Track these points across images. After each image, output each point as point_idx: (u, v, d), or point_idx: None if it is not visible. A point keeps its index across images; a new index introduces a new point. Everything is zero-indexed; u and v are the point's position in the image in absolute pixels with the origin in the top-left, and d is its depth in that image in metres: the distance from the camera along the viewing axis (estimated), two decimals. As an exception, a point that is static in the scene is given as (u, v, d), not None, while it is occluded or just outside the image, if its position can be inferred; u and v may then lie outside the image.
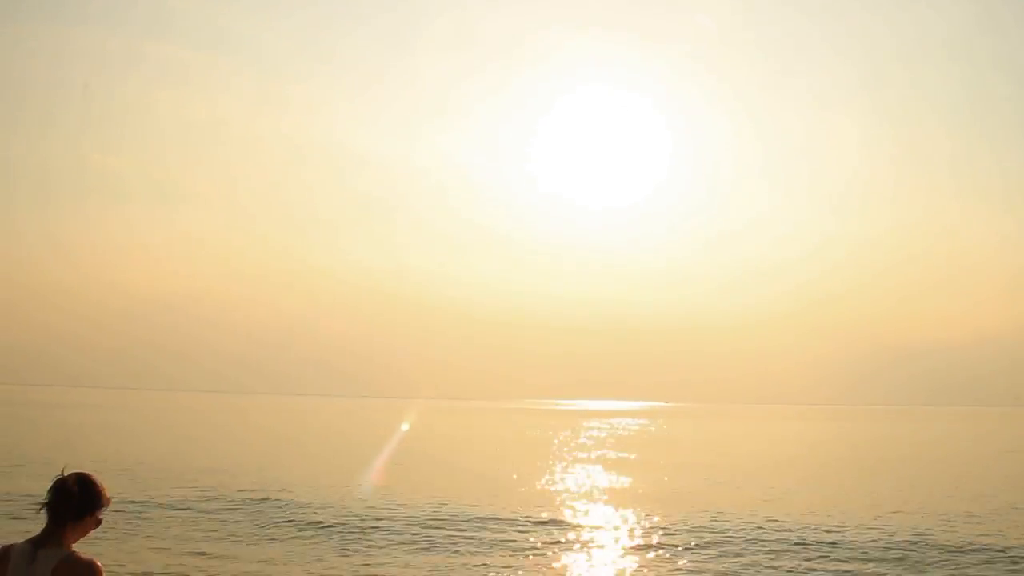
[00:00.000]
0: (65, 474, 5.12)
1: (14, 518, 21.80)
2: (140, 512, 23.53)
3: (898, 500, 29.60)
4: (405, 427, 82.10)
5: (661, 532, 22.30)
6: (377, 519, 23.37)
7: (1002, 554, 19.49)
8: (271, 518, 23.43)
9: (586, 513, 26.70)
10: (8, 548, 5.04)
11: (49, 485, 5.07)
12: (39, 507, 5.09)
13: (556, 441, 71.95)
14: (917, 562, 18.96)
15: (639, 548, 20.77)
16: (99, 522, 5.17)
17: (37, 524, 5.17)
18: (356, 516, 23.64)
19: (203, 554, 18.95)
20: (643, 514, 25.65)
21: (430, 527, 22.43)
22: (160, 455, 43.33)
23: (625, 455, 56.88)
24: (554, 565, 18.60)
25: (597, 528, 23.74)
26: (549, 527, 23.03)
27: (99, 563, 5.01)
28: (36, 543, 5.01)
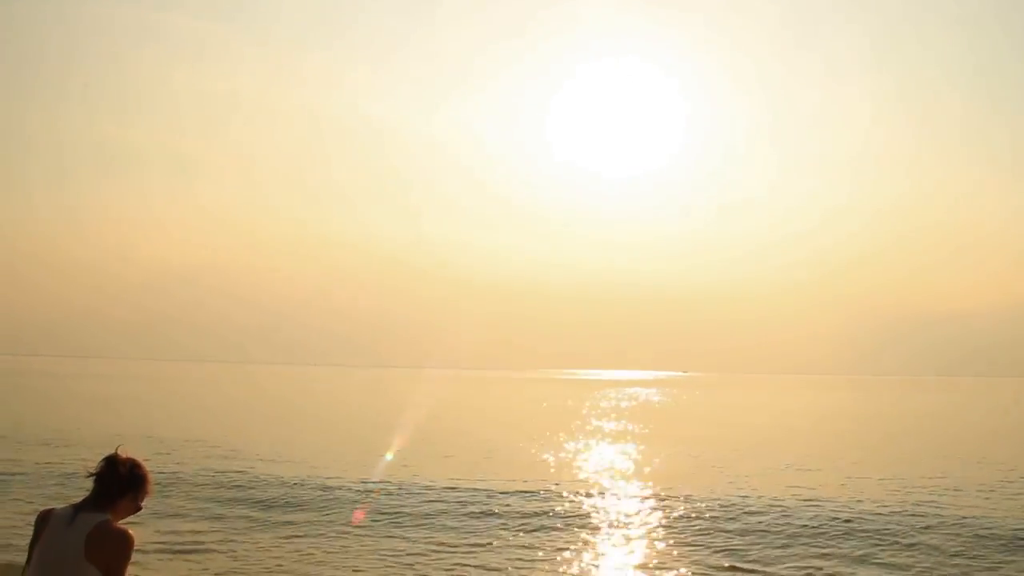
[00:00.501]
0: (119, 452, 5.37)
1: (30, 486, 21.95)
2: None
3: (916, 470, 29.50)
4: (417, 401, 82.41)
5: (680, 502, 22.21)
6: (395, 490, 23.41)
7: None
8: (287, 488, 23.50)
9: (602, 484, 26.66)
10: (49, 511, 5.29)
11: (85, 457, 5.34)
12: (88, 475, 5.32)
13: (572, 411, 71.94)
14: (935, 532, 18.82)
15: (656, 519, 20.64)
16: (139, 508, 5.39)
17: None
18: (374, 487, 23.72)
19: (221, 519, 19.04)
20: (661, 484, 25.58)
21: (443, 499, 22.39)
22: (179, 425, 43.57)
23: (643, 425, 56.78)
24: (568, 539, 18.51)
25: (613, 499, 23.71)
26: (565, 500, 22.96)
27: (132, 534, 5.22)
28: (77, 508, 5.23)
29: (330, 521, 19.51)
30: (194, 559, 15.91)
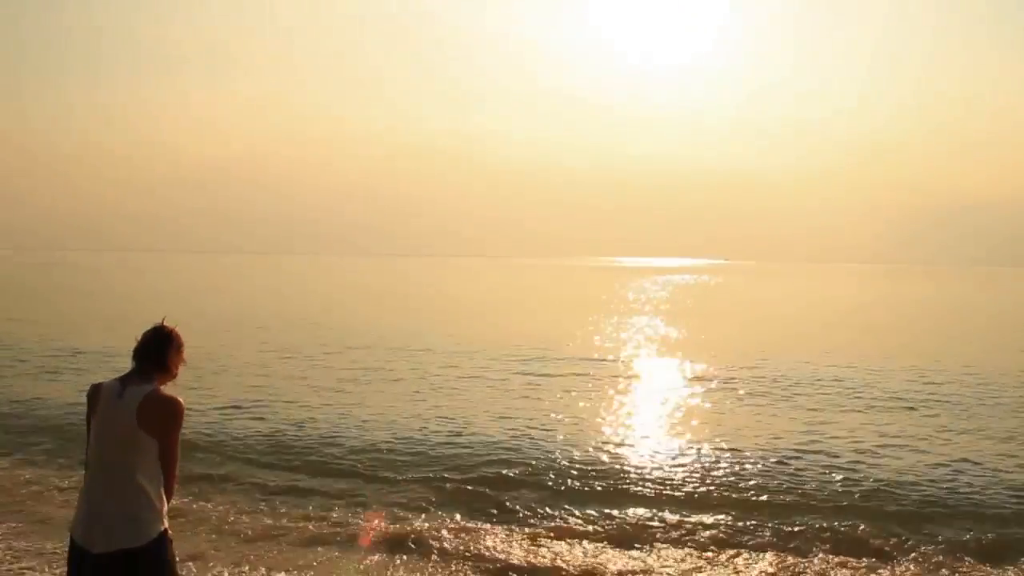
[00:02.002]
0: (162, 323, 5.53)
1: (81, 371, 21.67)
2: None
3: (959, 356, 28.58)
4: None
5: (718, 381, 22.01)
6: (440, 369, 23.11)
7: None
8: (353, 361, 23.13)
9: (644, 364, 26.46)
10: (99, 385, 5.42)
11: (139, 333, 5.45)
12: (132, 351, 5.43)
13: (616, 296, 71.55)
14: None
15: (696, 394, 20.37)
16: (175, 375, 5.54)
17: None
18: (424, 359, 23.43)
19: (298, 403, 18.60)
20: (702, 364, 25.43)
21: (481, 375, 22.31)
22: (220, 311, 43.56)
23: (685, 311, 56.38)
24: (608, 411, 18.06)
25: (655, 377, 23.62)
26: (611, 377, 22.72)
27: (182, 400, 5.39)
28: (124, 381, 5.37)
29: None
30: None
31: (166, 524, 5.30)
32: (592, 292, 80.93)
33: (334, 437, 14.91)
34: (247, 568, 8.83)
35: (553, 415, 17.16)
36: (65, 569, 5.46)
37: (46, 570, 8.29)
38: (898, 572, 9.08)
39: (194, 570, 6.13)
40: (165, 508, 5.33)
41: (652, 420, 17.80)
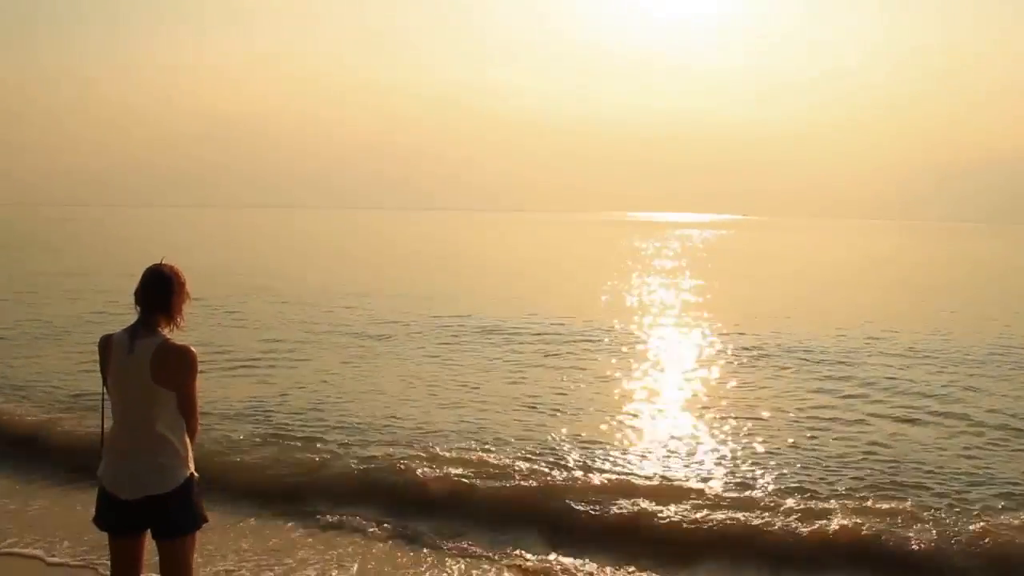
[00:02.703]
0: (161, 262, 5.38)
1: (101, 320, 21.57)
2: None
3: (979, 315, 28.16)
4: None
5: (738, 341, 21.32)
6: (459, 327, 22.75)
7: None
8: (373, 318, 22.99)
9: (662, 323, 26.01)
10: (108, 337, 5.35)
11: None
12: (134, 293, 5.32)
13: (632, 252, 71.23)
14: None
15: (717, 355, 19.72)
16: (181, 319, 5.39)
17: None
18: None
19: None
20: (723, 323, 24.77)
21: (495, 333, 21.74)
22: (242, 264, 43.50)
23: (703, 266, 56.07)
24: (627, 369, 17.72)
25: (672, 336, 23.08)
26: (629, 337, 22.23)
27: (194, 348, 5.28)
28: (131, 333, 5.27)
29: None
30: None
31: (192, 468, 5.38)
32: (608, 249, 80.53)
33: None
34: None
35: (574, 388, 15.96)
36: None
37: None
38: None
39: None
40: (190, 454, 5.40)
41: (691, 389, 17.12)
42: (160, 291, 5.31)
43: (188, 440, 5.38)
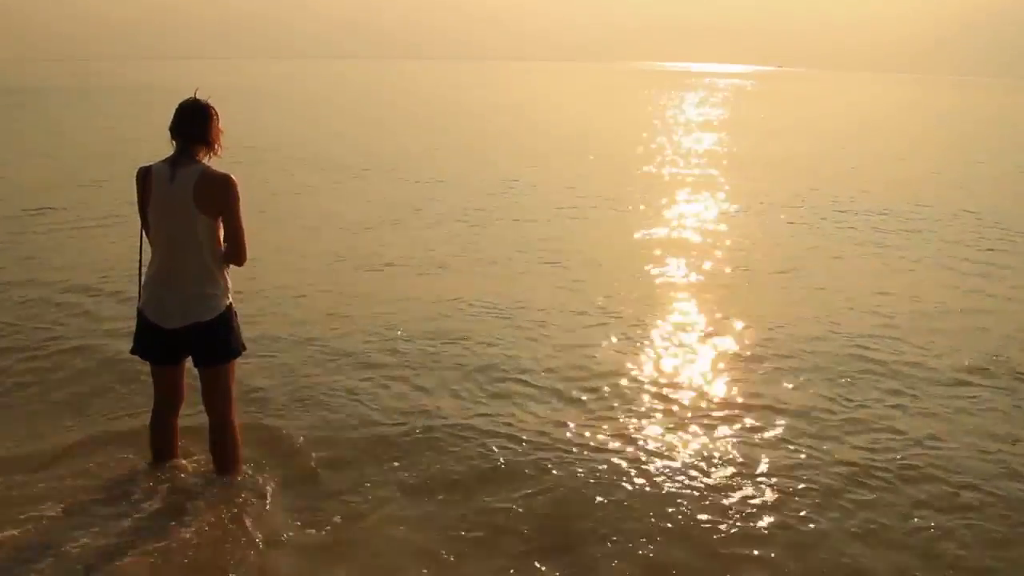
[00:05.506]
0: (195, 94, 5.39)
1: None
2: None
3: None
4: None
5: (763, 197, 20.44)
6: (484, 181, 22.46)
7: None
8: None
9: (690, 174, 24.98)
10: (148, 168, 5.33)
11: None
12: (169, 128, 5.35)
13: (661, 103, 69.97)
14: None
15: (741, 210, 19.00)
16: (219, 149, 5.46)
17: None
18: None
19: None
20: (753, 178, 23.96)
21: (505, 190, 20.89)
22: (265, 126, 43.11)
23: (737, 116, 54.77)
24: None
25: (700, 190, 22.05)
26: (656, 193, 21.74)
27: (234, 176, 5.32)
28: (172, 163, 5.27)
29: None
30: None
31: (231, 299, 5.55)
32: (640, 102, 78.96)
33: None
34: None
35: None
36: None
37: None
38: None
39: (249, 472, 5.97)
40: (230, 283, 5.55)
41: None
42: (199, 121, 5.34)
43: (227, 270, 5.49)
